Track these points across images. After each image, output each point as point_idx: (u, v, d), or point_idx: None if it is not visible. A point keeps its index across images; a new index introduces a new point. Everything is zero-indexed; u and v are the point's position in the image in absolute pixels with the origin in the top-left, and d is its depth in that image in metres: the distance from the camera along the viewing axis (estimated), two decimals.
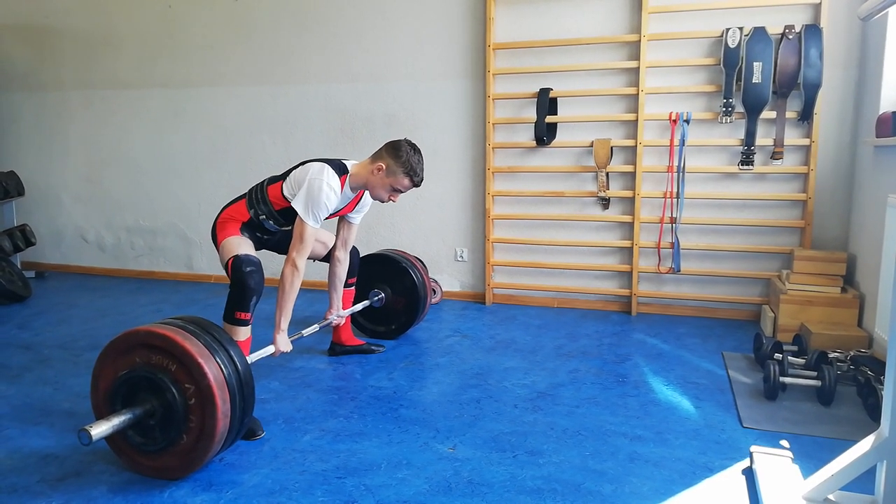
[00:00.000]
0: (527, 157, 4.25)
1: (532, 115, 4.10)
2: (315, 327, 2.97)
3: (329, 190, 2.59)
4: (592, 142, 4.03)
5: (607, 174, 4.04)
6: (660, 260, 4.02)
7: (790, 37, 3.60)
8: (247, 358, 2.43)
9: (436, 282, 4.43)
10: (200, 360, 1.96)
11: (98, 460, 2.25)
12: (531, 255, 4.34)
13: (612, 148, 4.00)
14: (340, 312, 3.16)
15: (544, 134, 4.05)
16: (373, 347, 3.36)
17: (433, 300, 4.40)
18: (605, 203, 4.10)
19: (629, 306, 4.12)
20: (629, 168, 4.00)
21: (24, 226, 5.16)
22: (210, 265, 5.11)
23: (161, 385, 1.99)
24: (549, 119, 4.06)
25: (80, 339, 3.65)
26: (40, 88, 5.38)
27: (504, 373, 3.07)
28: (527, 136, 4.18)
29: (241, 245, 2.64)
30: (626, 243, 4.08)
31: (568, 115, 4.10)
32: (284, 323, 2.63)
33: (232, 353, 2.08)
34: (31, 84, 5.41)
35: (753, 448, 2.17)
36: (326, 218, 2.75)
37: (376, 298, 3.46)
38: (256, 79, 4.77)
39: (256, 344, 2.70)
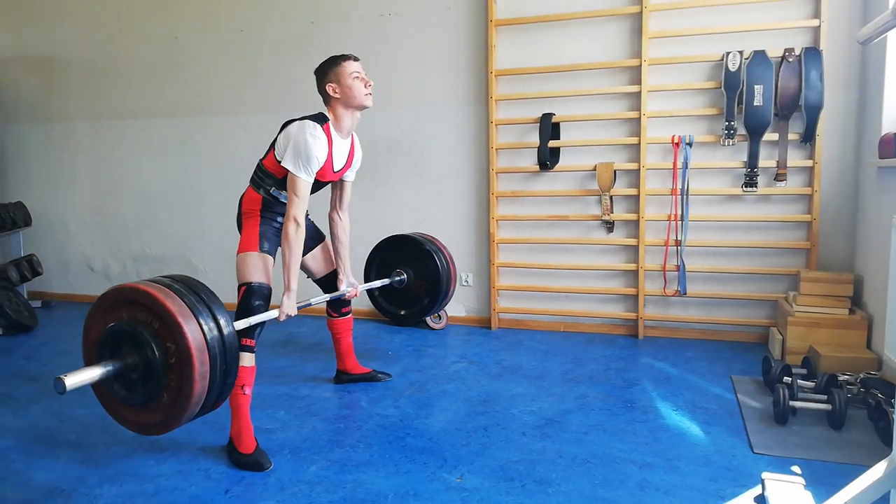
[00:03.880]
0: (530, 181, 4.27)
1: (535, 139, 4.12)
2: (326, 297, 2.95)
3: (313, 139, 2.57)
4: (595, 165, 4.04)
5: (611, 197, 4.04)
6: (665, 283, 4.01)
7: (790, 59, 3.62)
8: (252, 321, 2.46)
9: None
10: (180, 320, 1.92)
11: (103, 494, 2.24)
12: (536, 279, 4.33)
13: (615, 171, 4.02)
14: (351, 280, 3.11)
15: (547, 158, 4.07)
16: (379, 375, 3.35)
17: (438, 326, 4.39)
18: (609, 226, 4.11)
19: (636, 330, 4.11)
20: (633, 191, 4.01)
21: (30, 256, 5.19)
22: (217, 292, 5.11)
23: (143, 341, 1.96)
24: (552, 144, 4.08)
25: None
26: (48, 119, 5.45)
27: (511, 399, 3.05)
28: (530, 160, 4.20)
29: (258, 269, 2.61)
30: (632, 266, 4.08)
31: (570, 139, 4.13)
32: (294, 282, 2.60)
33: (216, 313, 2.04)
34: (38, 114, 5.47)
35: (765, 475, 2.15)
36: (334, 172, 2.74)
37: (397, 279, 3.37)
38: (262, 107, 4.82)
39: (261, 376, 2.69)
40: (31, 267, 5.10)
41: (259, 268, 2.62)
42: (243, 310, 2.54)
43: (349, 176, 2.97)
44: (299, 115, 2.62)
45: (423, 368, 3.56)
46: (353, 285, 3.10)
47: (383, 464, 2.42)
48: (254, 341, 2.56)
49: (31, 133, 5.52)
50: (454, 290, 3.45)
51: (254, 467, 2.40)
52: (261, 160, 2.77)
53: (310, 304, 2.85)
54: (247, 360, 2.55)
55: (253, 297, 2.55)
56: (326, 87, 2.70)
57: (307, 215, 3.03)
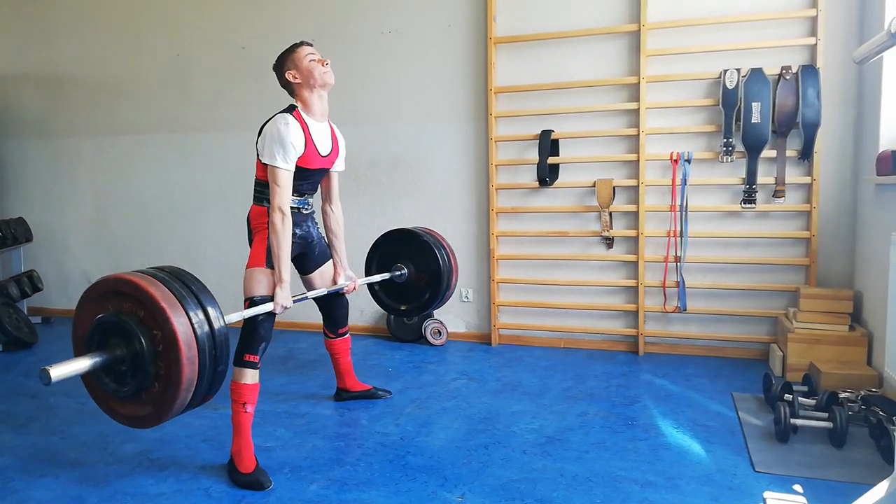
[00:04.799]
0: (530, 197, 4.29)
1: (534, 156, 4.14)
2: (323, 291, 2.94)
3: (285, 127, 2.58)
4: (595, 182, 4.06)
5: (610, 214, 4.06)
6: (665, 299, 4.02)
7: (787, 77, 3.65)
8: (247, 314, 2.47)
9: (441, 323, 4.42)
10: (164, 305, 1.90)
11: None
12: (536, 295, 4.34)
13: (614, 188, 4.03)
14: (349, 273, 3.10)
15: (546, 175, 4.08)
16: (379, 392, 3.34)
17: (438, 342, 4.39)
18: (609, 242, 4.12)
19: (636, 346, 4.10)
20: (632, 208, 4.03)
21: (31, 271, 5.19)
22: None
23: (128, 329, 1.93)
24: (551, 160, 4.10)
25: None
26: (51, 135, 5.48)
27: (512, 417, 3.05)
28: (529, 177, 4.22)
29: (262, 284, 2.60)
30: (632, 282, 4.08)
31: (570, 155, 4.15)
32: (285, 273, 2.58)
33: (202, 299, 2.01)
34: (41, 131, 5.50)
35: (767, 494, 2.15)
36: (323, 157, 2.74)
37: (398, 274, 3.33)
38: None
39: (261, 393, 2.68)
40: (31, 283, 5.11)
41: (264, 283, 2.61)
42: (248, 324, 2.55)
43: (338, 165, 2.96)
44: None
45: (424, 385, 3.55)
46: (351, 278, 3.09)
47: (384, 483, 2.42)
48: (257, 357, 2.56)
49: (34, 149, 5.54)
50: (455, 284, 3.42)
51: (254, 486, 2.40)
52: (255, 176, 2.77)
53: (306, 298, 2.85)
54: (249, 377, 2.55)
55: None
56: (286, 76, 2.73)
57: (317, 228, 3.02)
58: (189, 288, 2.02)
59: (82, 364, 1.91)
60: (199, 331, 1.95)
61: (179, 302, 1.94)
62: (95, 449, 2.80)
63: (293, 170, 2.62)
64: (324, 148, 2.77)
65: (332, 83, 2.75)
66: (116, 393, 2.00)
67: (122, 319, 1.94)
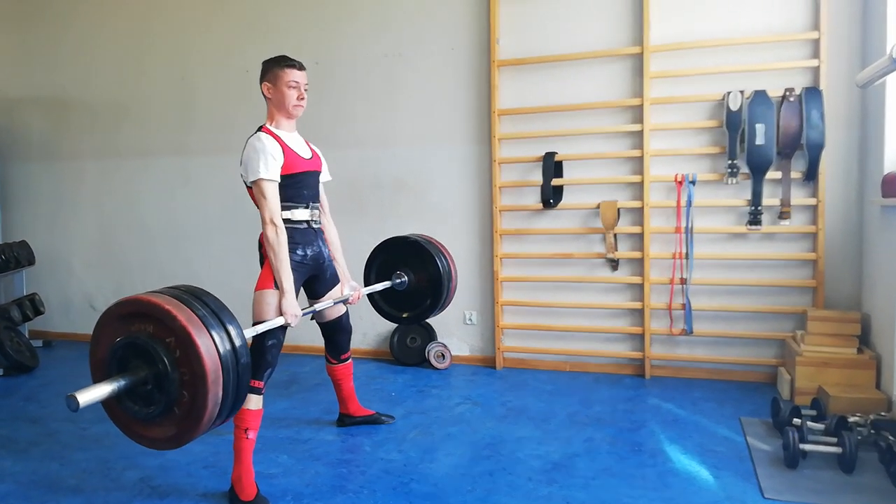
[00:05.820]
0: (534, 219, 4.28)
1: (538, 178, 4.14)
2: (329, 301, 2.92)
3: (259, 143, 2.59)
4: (599, 204, 4.05)
5: (615, 235, 4.04)
6: (671, 321, 3.99)
7: (791, 99, 3.65)
8: (259, 329, 2.44)
9: (445, 346, 4.39)
10: (168, 307, 1.87)
11: None
12: (541, 318, 4.31)
13: (618, 209, 4.02)
14: (353, 283, 3.08)
15: (550, 196, 4.08)
16: (382, 417, 3.31)
17: (442, 365, 4.36)
18: (613, 264, 4.10)
19: (642, 369, 4.07)
20: (637, 229, 4.02)
21: (33, 295, 5.18)
22: None
23: (143, 347, 1.89)
24: (555, 182, 4.10)
25: (86, 412, 3.54)
26: (55, 158, 5.50)
27: (517, 443, 3.01)
28: (533, 198, 4.21)
29: (272, 307, 2.58)
30: (637, 305, 4.06)
31: (574, 177, 4.15)
32: (287, 283, 2.56)
33: (204, 298, 1.99)
34: (46, 154, 5.52)
35: None
36: (307, 161, 2.74)
37: (398, 282, 3.31)
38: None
39: (263, 418, 2.65)
40: (33, 306, 5.09)
41: (273, 305, 2.59)
42: (255, 349, 2.52)
43: (324, 174, 2.95)
44: None
45: (427, 410, 3.51)
46: (354, 289, 3.07)
47: None
48: (262, 383, 2.54)
49: (39, 172, 5.56)
50: (455, 288, 3.40)
51: None
52: (254, 204, 2.75)
53: (314, 311, 2.85)
54: (253, 402, 2.52)
55: (267, 337, 2.53)
56: (262, 86, 2.74)
57: (327, 247, 2.99)
58: (191, 293, 2.01)
59: (107, 388, 1.87)
60: (207, 324, 1.92)
61: (182, 303, 1.92)
62: (96, 475, 2.77)
63: (278, 180, 2.62)
64: (304, 152, 2.78)
65: (299, 116, 2.77)
66: (149, 416, 1.94)
67: (134, 338, 1.92)
